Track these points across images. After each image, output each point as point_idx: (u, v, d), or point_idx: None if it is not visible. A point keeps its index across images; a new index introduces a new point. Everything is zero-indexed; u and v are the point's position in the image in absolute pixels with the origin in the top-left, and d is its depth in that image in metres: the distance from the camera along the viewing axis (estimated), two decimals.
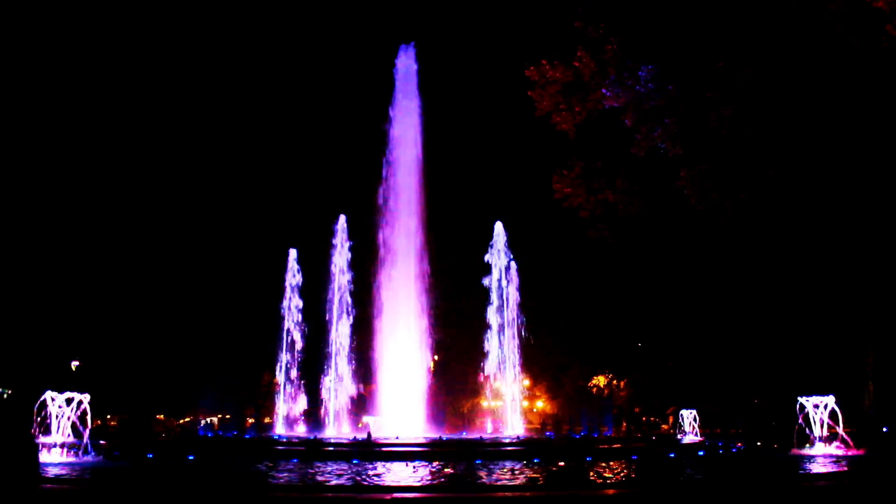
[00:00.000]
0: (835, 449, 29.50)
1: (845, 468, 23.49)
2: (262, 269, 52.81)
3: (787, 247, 42.56)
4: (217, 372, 53.32)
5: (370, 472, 20.27)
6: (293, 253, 44.25)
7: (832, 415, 30.13)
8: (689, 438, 40.32)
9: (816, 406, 30.29)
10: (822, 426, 30.09)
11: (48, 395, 26.29)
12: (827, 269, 40.75)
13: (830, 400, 30.20)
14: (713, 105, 34.73)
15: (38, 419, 25.90)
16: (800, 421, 30.49)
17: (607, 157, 41.42)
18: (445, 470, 21.52)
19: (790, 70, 35.15)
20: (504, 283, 43.91)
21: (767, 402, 43.97)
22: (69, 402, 26.13)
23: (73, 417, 26.02)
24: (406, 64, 43.40)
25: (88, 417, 26.22)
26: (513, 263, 44.05)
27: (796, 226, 40.92)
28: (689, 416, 42.82)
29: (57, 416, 25.76)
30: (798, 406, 30.72)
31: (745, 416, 57.65)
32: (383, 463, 24.14)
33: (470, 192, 46.54)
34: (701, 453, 31.87)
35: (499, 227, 42.62)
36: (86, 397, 26.42)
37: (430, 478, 19.04)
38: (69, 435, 25.85)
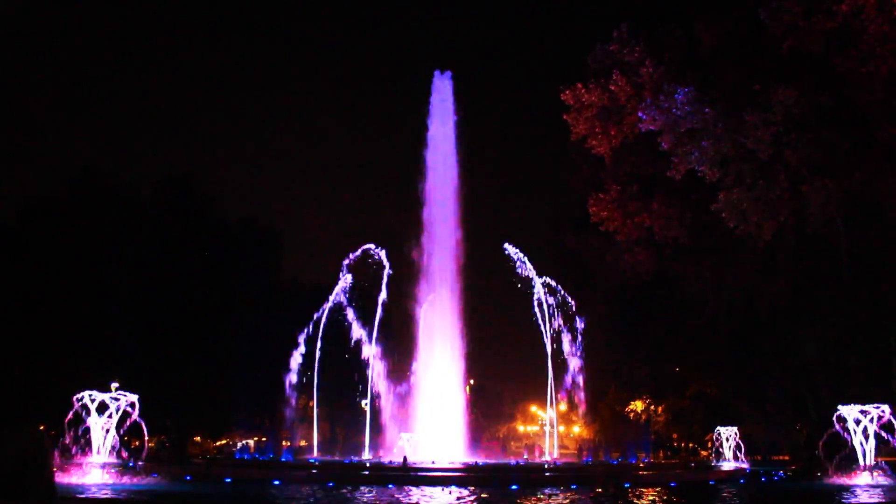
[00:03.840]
0: (881, 478, 28.72)
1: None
2: (300, 294, 53.23)
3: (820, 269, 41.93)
4: (253, 394, 53.64)
5: (404, 502, 20.19)
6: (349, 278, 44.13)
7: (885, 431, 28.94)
8: (728, 465, 39.53)
9: (858, 421, 29.11)
10: (865, 453, 29.18)
11: (86, 395, 25.33)
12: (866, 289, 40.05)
13: (876, 412, 29.00)
14: (751, 127, 34.52)
15: (74, 433, 25.59)
16: (848, 441, 29.37)
17: (643, 181, 41.30)
18: (482, 495, 21.38)
19: (830, 92, 34.85)
20: (546, 309, 43.72)
21: (809, 427, 42.98)
22: (115, 400, 25.16)
23: (114, 422, 25.42)
24: (442, 91, 43.59)
25: (144, 430, 25.94)
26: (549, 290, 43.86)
27: (831, 245, 40.36)
28: (728, 435, 41.44)
29: (99, 430, 25.41)
30: (837, 416, 29.68)
31: (787, 442, 56.47)
32: (419, 488, 24.03)
33: (507, 214, 46.49)
34: (742, 481, 31.28)
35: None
36: (134, 398, 25.53)
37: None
38: (114, 449, 25.67)
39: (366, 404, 44.24)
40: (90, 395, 25.38)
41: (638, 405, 64.58)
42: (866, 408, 29.38)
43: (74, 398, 25.66)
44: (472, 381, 43.92)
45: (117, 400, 25.65)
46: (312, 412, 46.91)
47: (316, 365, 44.12)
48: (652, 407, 64.65)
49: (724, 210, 36.52)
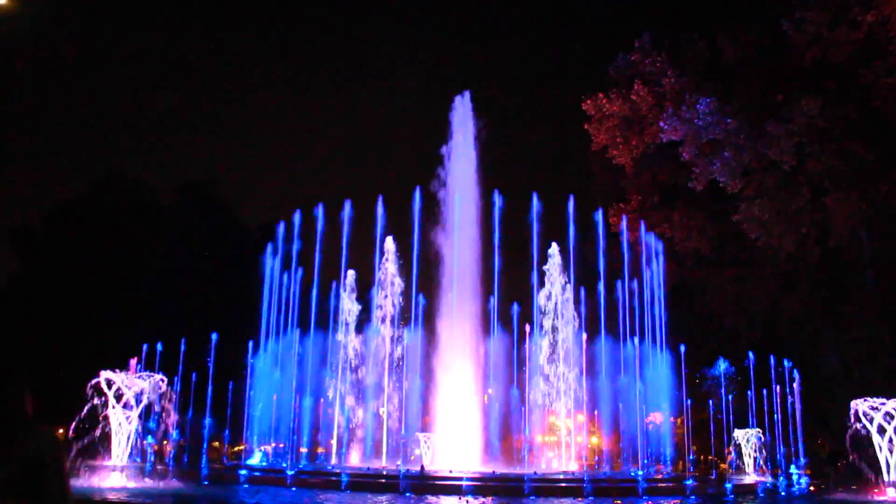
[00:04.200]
0: None
1: None
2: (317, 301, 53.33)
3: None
4: (271, 400, 53.80)
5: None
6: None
7: None
8: (749, 479, 38.97)
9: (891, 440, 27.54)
10: (891, 469, 28.34)
11: (103, 377, 23.83)
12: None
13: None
14: (774, 138, 34.36)
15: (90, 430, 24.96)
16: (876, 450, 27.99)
17: (664, 191, 41.23)
18: None
19: (854, 103, 34.60)
20: (560, 315, 43.46)
21: (832, 442, 42.48)
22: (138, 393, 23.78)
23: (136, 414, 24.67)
24: (462, 111, 43.31)
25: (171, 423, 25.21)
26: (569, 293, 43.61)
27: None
28: (747, 440, 40.29)
29: (117, 431, 24.59)
30: (867, 440, 28.72)
31: (808, 455, 55.77)
32: (436, 497, 24.01)
33: (525, 226, 46.18)
34: (761, 494, 30.96)
35: (554, 248, 41.78)
36: (163, 381, 24.30)
37: None
38: (137, 450, 25.52)
39: (384, 411, 44.24)
40: (107, 381, 23.62)
41: (657, 416, 64.13)
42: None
43: (88, 385, 24.28)
44: (490, 391, 43.72)
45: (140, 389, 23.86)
46: (331, 418, 46.97)
47: (339, 368, 44.21)
48: (672, 418, 64.18)
49: (746, 221, 36.35)
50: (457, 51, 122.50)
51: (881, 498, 27.47)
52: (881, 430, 27.15)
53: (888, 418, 26.95)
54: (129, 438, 25.28)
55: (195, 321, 52.46)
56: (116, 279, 50.25)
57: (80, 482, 24.81)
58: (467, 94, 40.98)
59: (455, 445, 38.86)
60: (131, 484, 25.04)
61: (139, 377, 24.84)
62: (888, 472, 28.19)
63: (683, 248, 40.87)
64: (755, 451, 39.90)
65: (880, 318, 39.83)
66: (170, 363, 48.50)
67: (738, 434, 40.67)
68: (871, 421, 27.07)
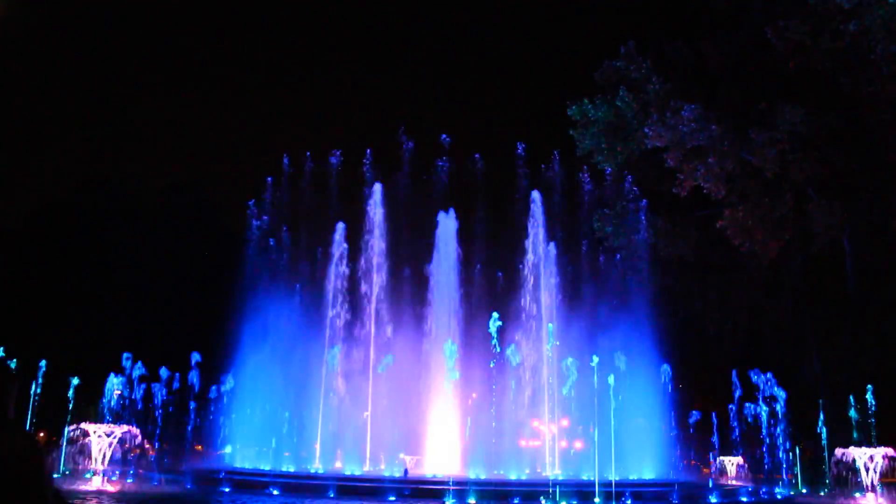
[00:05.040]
0: (882, 499, 28.69)
1: None
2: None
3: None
4: (254, 404, 53.50)
5: None
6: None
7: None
8: (731, 483, 39.40)
9: (871, 457, 29.38)
10: (872, 476, 29.19)
11: (91, 428, 26.10)
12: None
13: (880, 452, 29.36)
14: (757, 145, 34.61)
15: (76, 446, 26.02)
16: (841, 467, 29.64)
17: (649, 197, 41.40)
18: None
19: (837, 111, 34.95)
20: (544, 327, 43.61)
21: (813, 447, 42.79)
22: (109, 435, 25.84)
23: (115, 446, 25.98)
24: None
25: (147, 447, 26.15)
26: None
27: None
28: (731, 463, 41.86)
29: (98, 445, 25.84)
30: (839, 454, 29.93)
31: (791, 462, 56.13)
32: (419, 502, 23.96)
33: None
34: (743, 499, 31.14)
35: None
36: (122, 429, 26.25)
37: None
38: (114, 460, 25.87)
39: (367, 416, 44.12)
40: (90, 429, 25.94)
41: (640, 422, 64.32)
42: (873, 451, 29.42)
43: (70, 429, 26.21)
44: (474, 395, 43.73)
45: (110, 434, 25.90)
46: (315, 423, 46.78)
47: (323, 376, 44.06)
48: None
49: (730, 227, 36.57)
50: (434, 45, 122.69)
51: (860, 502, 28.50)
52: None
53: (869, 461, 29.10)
54: (109, 446, 25.63)
55: (176, 325, 52.22)
56: (97, 280, 49.87)
57: (62, 485, 24.76)
58: None
59: (440, 451, 38.86)
60: (111, 488, 24.90)
61: (111, 433, 25.97)
62: (869, 478, 29.15)
63: (667, 254, 41.08)
64: (738, 466, 41.62)
65: (861, 324, 40.18)
66: (153, 365, 48.26)
67: (723, 459, 42.31)
68: (853, 460, 29.26)
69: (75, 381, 33.88)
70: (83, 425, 26.35)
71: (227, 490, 26.98)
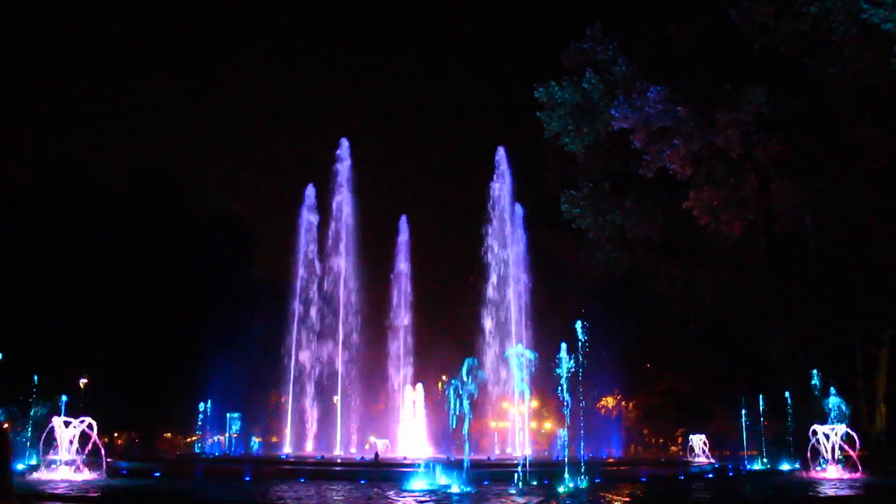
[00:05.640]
0: (845, 472, 29.45)
1: (858, 491, 23.30)
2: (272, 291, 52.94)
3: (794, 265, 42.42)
4: (225, 390, 53.25)
5: (377, 493, 20.21)
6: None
7: (849, 439, 30.17)
8: (698, 460, 40.04)
9: (827, 435, 30.24)
10: (833, 450, 30.01)
11: (55, 420, 26.09)
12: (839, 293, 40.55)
13: (842, 428, 30.19)
14: (722, 127, 34.90)
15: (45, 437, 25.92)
16: (813, 443, 30.45)
17: (616, 178, 41.60)
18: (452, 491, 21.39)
19: (800, 93, 35.34)
20: (514, 304, 43.90)
21: (777, 424, 43.54)
22: (67, 424, 25.80)
23: (76, 437, 25.76)
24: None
25: (95, 438, 25.94)
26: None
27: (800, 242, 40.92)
28: (698, 441, 42.58)
29: (63, 436, 25.62)
30: (811, 431, 30.67)
31: (756, 439, 57.16)
32: (390, 483, 24.00)
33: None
34: (710, 475, 31.64)
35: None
36: (86, 421, 26.13)
37: (436, 498, 18.91)
38: (77, 452, 25.68)
39: (337, 400, 44.14)
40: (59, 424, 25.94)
41: (609, 401, 65.02)
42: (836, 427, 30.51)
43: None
44: (444, 378, 43.93)
45: (69, 424, 25.95)
46: (285, 407, 46.71)
47: (291, 360, 44.00)
48: (623, 402, 65.18)
49: (696, 208, 36.90)
50: (400, 27, 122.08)
51: (822, 475, 29.18)
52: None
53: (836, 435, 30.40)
54: (74, 437, 25.50)
55: (143, 313, 51.65)
56: (61, 269, 49.02)
57: (29, 476, 24.58)
58: None
59: (410, 433, 39.03)
60: (78, 477, 24.66)
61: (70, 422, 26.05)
62: (831, 452, 29.98)
63: (634, 235, 41.38)
64: (703, 444, 42.30)
65: (824, 303, 40.85)
66: (120, 364, 47.69)
67: (692, 437, 43.50)
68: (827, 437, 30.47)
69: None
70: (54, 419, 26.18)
71: (198, 476, 26.88)
